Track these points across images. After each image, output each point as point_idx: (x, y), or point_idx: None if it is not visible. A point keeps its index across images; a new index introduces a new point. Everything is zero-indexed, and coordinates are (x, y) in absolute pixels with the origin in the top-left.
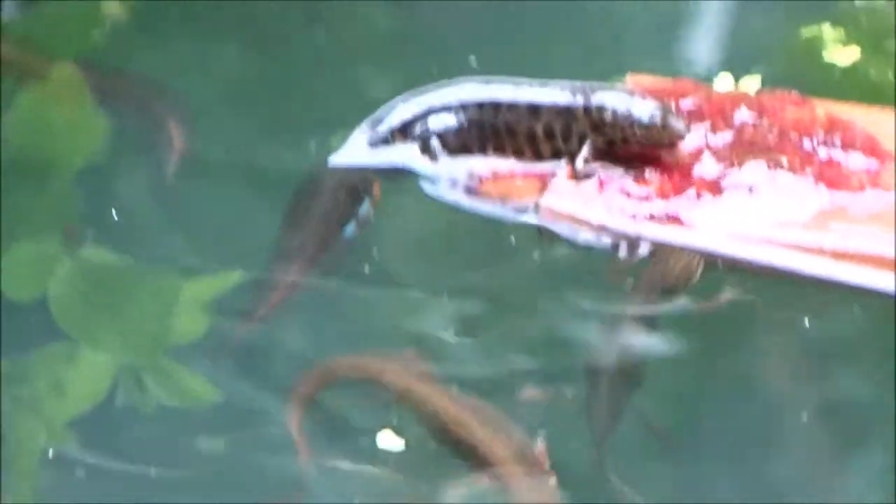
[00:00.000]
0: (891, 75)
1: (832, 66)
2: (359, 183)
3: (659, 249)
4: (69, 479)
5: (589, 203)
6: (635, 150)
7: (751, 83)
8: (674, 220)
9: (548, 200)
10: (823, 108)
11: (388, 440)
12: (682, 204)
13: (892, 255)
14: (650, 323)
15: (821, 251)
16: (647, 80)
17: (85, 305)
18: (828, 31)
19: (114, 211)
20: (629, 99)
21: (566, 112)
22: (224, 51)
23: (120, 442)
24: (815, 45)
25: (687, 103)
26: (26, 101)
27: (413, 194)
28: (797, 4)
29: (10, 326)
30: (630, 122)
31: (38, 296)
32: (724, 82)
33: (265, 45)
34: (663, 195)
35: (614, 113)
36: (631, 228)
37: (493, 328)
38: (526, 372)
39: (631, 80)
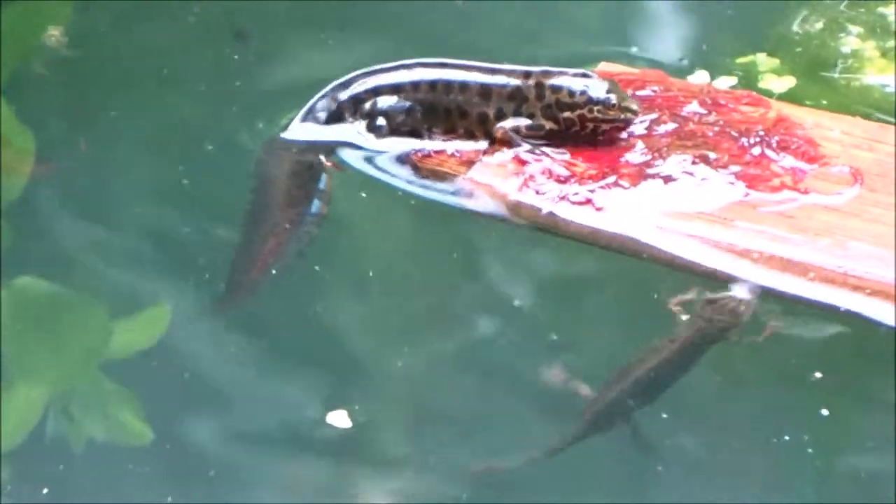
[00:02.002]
0: (824, 102)
1: (769, 91)
2: (312, 159)
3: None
4: None
5: (507, 178)
6: (585, 131)
7: (725, 82)
8: (587, 203)
9: (472, 173)
10: (777, 108)
11: (338, 418)
12: (597, 189)
13: (798, 257)
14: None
15: (718, 246)
16: (617, 68)
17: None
18: (763, 59)
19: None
20: (583, 80)
21: (518, 93)
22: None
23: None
24: (751, 72)
25: (644, 93)
26: None
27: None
28: (734, 33)
29: None
30: (587, 101)
31: None
32: (698, 79)
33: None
34: (581, 180)
35: (570, 93)
36: (545, 206)
37: None
38: None
39: (604, 67)
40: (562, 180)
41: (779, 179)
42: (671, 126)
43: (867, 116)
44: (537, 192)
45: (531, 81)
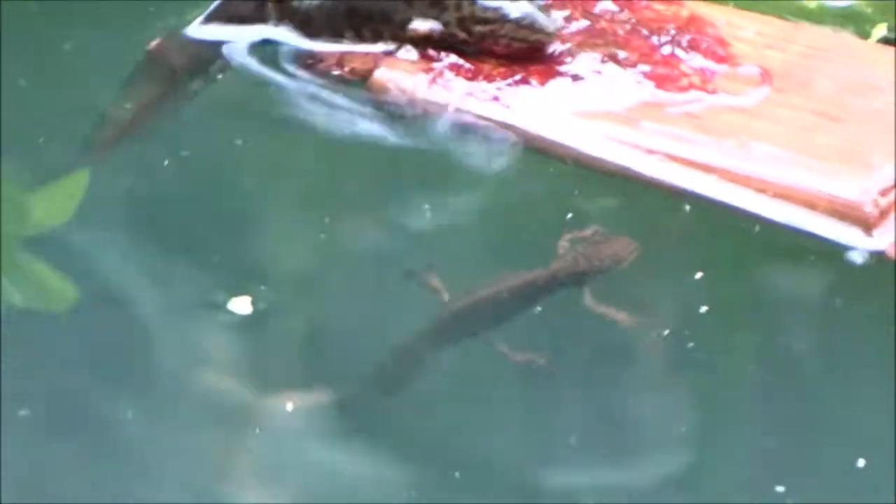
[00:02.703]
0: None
1: None
2: (203, 53)
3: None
4: None
5: (416, 74)
6: (497, 48)
7: None
8: (495, 101)
9: (381, 70)
10: (690, 6)
11: (240, 305)
12: (505, 87)
13: (703, 158)
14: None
15: (627, 145)
16: None
17: None
18: None
19: None
20: None
21: (438, 2)
22: None
23: None
24: None
25: None
26: None
27: None
28: None
29: None
30: (500, 18)
31: None
32: None
33: None
34: (489, 77)
35: (485, 7)
36: (452, 102)
37: None
38: None
39: None
40: (469, 77)
41: (687, 80)
42: (583, 24)
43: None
44: (445, 89)
45: None
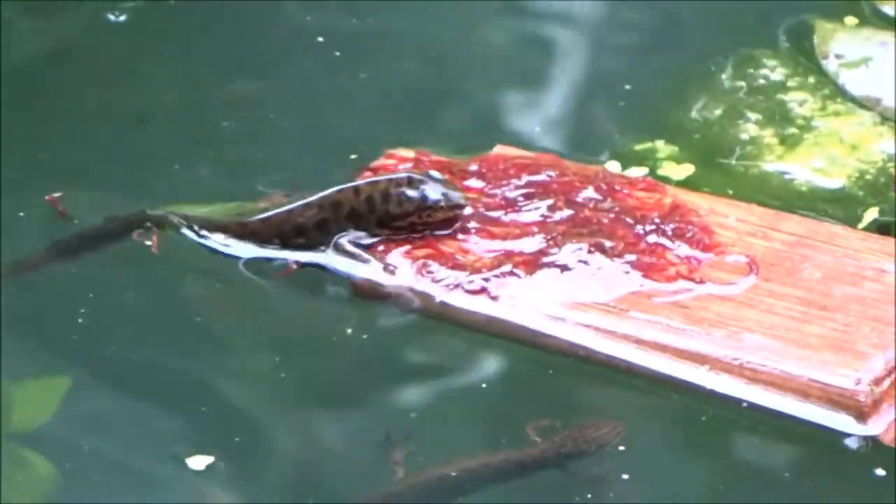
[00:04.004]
0: (730, 192)
1: (668, 178)
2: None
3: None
4: None
5: (402, 269)
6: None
7: (636, 172)
8: (482, 292)
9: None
10: (673, 194)
11: (197, 461)
12: (492, 277)
13: (693, 349)
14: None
15: (614, 336)
16: (511, 151)
17: None
18: (661, 146)
19: None
20: (410, 185)
21: (353, 214)
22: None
23: None
24: (650, 159)
25: (540, 178)
26: None
27: None
28: (634, 119)
29: None
30: (416, 208)
31: None
32: (612, 167)
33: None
34: (475, 270)
35: (399, 202)
36: (438, 295)
37: None
38: None
39: (498, 149)
40: (454, 266)
41: (674, 269)
42: (566, 213)
43: (764, 204)
44: (433, 280)
45: (361, 197)
